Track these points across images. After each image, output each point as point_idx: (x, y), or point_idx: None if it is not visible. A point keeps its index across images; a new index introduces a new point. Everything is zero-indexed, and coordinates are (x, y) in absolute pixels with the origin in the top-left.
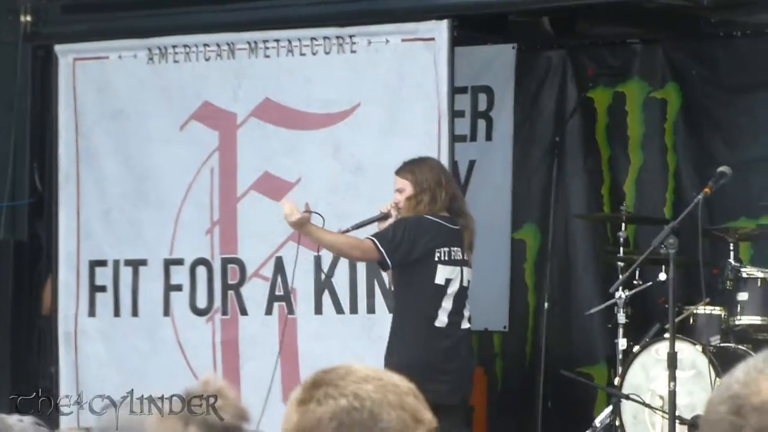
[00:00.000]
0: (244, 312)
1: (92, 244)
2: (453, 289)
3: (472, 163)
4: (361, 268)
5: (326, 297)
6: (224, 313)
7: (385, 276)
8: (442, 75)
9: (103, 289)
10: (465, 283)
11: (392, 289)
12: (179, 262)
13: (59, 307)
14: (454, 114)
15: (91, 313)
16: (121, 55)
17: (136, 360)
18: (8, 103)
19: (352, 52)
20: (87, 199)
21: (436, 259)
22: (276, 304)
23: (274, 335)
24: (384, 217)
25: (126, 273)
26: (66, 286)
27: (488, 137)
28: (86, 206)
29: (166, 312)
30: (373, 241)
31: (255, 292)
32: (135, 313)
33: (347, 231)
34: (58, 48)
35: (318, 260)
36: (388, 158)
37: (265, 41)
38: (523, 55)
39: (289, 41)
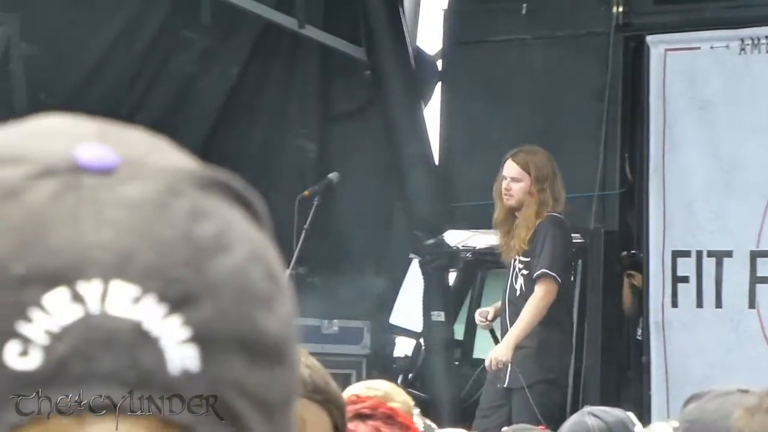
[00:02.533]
0: None
1: (675, 235)
2: None
3: None
4: None
5: None
6: None
7: None
8: None
9: (685, 279)
10: None
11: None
12: (766, 254)
13: (650, 297)
14: None
15: (674, 303)
16: (713, 46)
17: (721, 351)
18: (599, 92)
19: None
20: (671, 189)
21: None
22: None
23: None
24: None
25: (709, 264)
26: (654, 277)
27: None
28: (670, 196)
29: (752, 304)
30: (553, 278)
31: None
32: (718, 304)
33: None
34: (650, 39)
35: None
36: None
37: None
38: None
39: None
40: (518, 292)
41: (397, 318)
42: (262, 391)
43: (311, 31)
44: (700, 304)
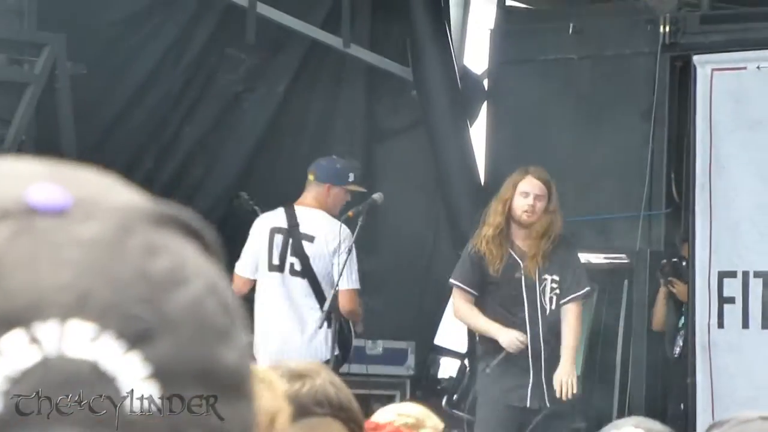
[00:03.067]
0: None
1: (721, 255)
2: None
3: None
4: None
5: None
6: None
7: None
8: None
9: (731, 300)
10: None
11: None
12: None
13: (696, 318)
14: None
15: (720, 324)
16: (760, 66)
17: (766, 372)
18: (647, 112)
19: None
20: (717, 209)
21: None
22: None
23: None
24: None
25: (756, 284)
26: (701, 298)
27: None
28: (717, 217)
29: None
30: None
31: None
32: (765, 325)
33: None
34: (696, 59)
35: None
36: None
37: None
38: None
39: None
40: (548, 311)
41: (441, 338)
42: (222, 425)
43: (357, 51)
44: (746, 325)
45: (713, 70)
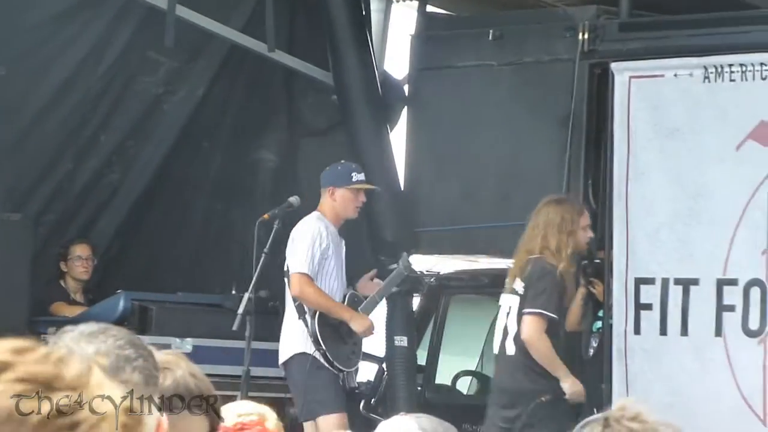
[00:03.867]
0: None
1: (639, 262)
2: None
3: None
4: None
5: None
6: None
7: None
8: None
9: (648, 307)
10: None
11: None
12: (733, 282)
13: (614, 324)
14: None
15: (636, 330)
16: (677, 74)
17: (685, 380)
18: (565, 118)
19: None
20: (636, 216)
21: None
22: None
23: None
24: None
25: (675, 292)
26: (618, 304)
27: None
28: (635, 224)
29: (718, 332)
30: None
31: None
32: (684, 332)
33: None
34: (614, 66)
35: None
36: None
37: None
38: None
39: None
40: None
41: None
42: None
43: (279, 55)
44: (664, 332)
45: (631, 77)
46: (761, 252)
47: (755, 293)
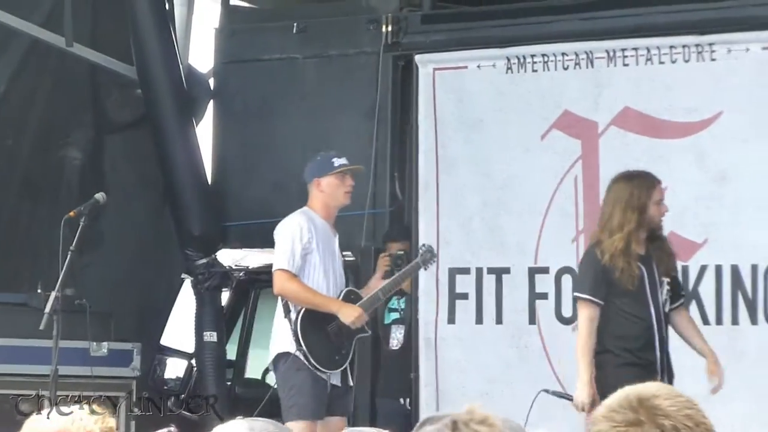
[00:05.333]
0: None
1: (453, 252)
2: None
3: None
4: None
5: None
6: None
7: None
8: None
9: (464, 296)
10: None
11: None
12: (544, 270)
13: (420, 313)
14: None
15: (450, 320)
16: (480, 65)
17: (501, 367)
18: (371, 111)
19: (712, 60)
20: (447, 207)
21: None
22: None
23: None
24: None
25: (489, 281)
26: (426, 294)
27: None
28: (446, 215)
29: (532, 320)
30: None
31: None
32: (499, 320)
33: None
34: (418, 58)
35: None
36: (752, 167)
37: (623, 50)
38: None
39: (648, 50)
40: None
41: (168, 339)
42: None
43: (80, 50)
44: (479, 321)
45: (435, 69)
46: (571, 240)
47: (567, 281)
